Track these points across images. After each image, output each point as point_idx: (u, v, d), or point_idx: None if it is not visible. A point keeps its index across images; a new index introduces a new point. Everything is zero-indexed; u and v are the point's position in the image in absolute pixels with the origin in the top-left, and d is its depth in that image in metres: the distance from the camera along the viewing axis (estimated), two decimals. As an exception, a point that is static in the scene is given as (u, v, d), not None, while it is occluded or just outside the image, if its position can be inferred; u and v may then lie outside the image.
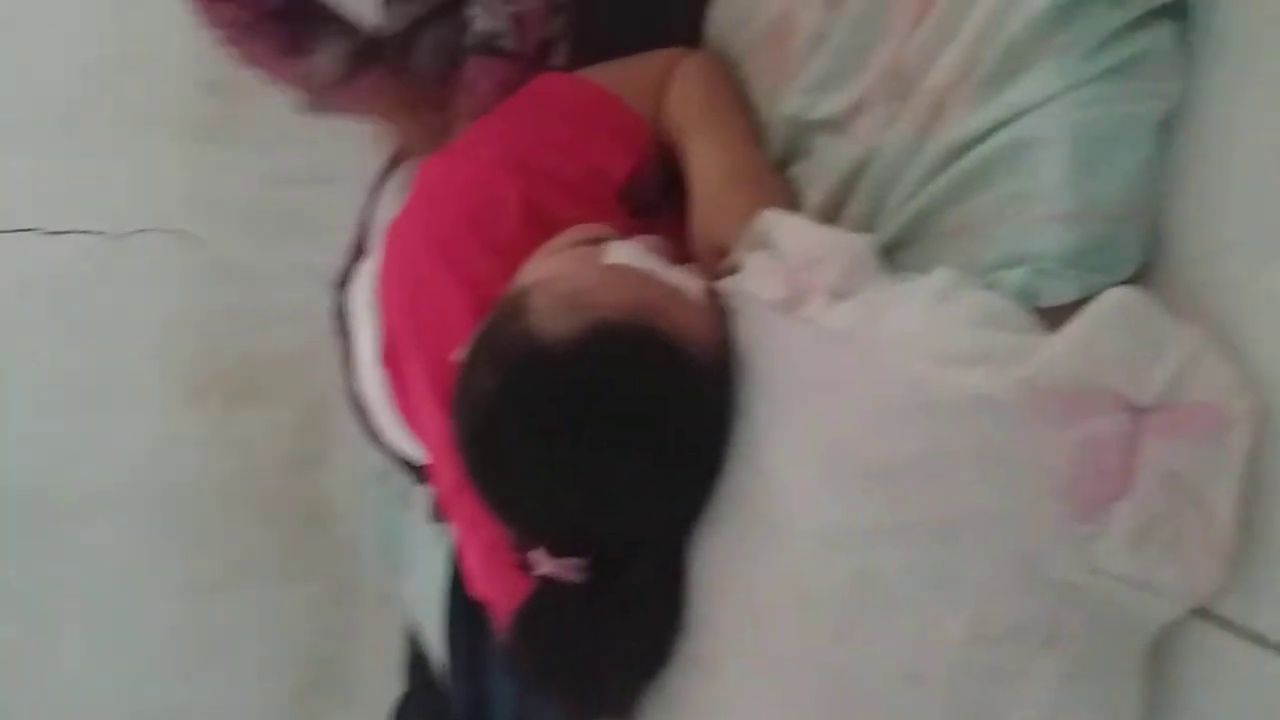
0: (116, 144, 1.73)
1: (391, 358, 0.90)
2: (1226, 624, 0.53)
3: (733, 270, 0.78)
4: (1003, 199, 0.62)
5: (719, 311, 0.74)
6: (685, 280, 0.73)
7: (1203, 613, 0.54)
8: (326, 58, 1.15)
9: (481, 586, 0.86)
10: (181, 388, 1.89)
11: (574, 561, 0.71)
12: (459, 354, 0.73)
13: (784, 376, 0.67)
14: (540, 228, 0.81)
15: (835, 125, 0.80)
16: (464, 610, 1.23)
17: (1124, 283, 0.57)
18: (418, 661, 1.71)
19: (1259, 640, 0.52)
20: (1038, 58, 0.60)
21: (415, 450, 1.03)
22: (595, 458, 0.66)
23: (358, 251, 1.19)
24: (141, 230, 1.82)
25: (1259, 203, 0.53)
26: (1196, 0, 0.56)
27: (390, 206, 1.09)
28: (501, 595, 0.83)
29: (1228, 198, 0.55)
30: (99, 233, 1.79)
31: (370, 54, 1.17)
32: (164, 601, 1.90)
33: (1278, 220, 0.52)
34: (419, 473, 1.21)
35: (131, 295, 1.85)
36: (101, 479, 1.85)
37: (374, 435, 1.19)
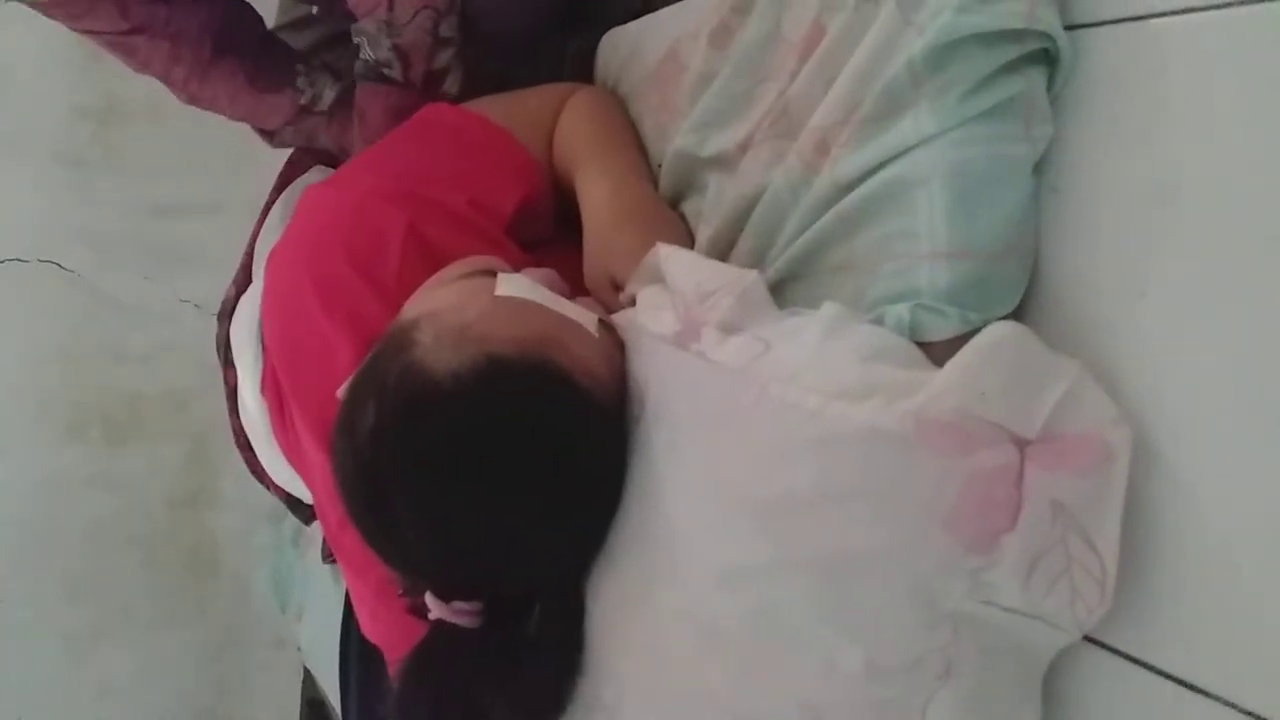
0: (-16, 172, 1.66)
1: (272, 389, 0.87)
2: (1115, 651, 0.54)
3: (626, 303, 0.77)
4: (886, 236, 0.63)
5: (614, 345, 0.73)
6: (579, 313, 0.72)
7: (1093, 640, 0.55)
8: (319, 86, 1.13)
9: (372, 630, 0.83)
10: (58, 424, 1.81)
11: (466, 606, 0.69)
12: (341, 391, 0.70)
13: (679, 412, 0.66)
14: (426, 260, 0.79)
15: (725, 162, 0.80)
16: (360, 653, 1.19)
17: (1005, 318, 0.58)
18: (315, 707, 1.66)
19: (1146, 666, 0.53)
20: (915, 99, 0.61)
21: (303, 488, 1.00)
22: (484, 500, 0.64)
23: (245, 281, 1.15)
24: (13, 260, 1.74)
25: (1127, 242, 0.55)
26: (1065, 46, 0.58)
27: (275, 234, 1.06)
28: (393, 639, 0.80)
29: (1099, 237, 0.57)
30: (-33, 264, 1.71)
31: (361, 75, 1.12)
32: (44, 649, 1.81)
33: (1145, 259, 0.54)
34: (309, 511, 1.17)
35: (2, 328, 1.77)
36: (-26, 521, 1.76)
37: (260, 473, 1.15)
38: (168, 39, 1.06)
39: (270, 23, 1.37)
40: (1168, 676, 0.52)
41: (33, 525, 1.80)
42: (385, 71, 0.99)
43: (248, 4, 1.15)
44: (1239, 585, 0.49)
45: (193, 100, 1.13)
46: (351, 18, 1.00)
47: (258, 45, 1.14)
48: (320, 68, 1.15)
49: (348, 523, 0.70)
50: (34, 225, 1.74)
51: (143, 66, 1.09)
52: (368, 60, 1.00)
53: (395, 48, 0.98)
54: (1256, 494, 0.49)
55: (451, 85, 1.03)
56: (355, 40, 1.01)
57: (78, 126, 1.64)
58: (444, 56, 1.00)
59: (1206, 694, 0.50)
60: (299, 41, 1.29)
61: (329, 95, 1.13)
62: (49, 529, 1.81)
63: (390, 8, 0.96)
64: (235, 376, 1.13)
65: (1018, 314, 0.60)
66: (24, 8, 1.00)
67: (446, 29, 0.99)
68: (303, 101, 1.13)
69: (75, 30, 1.03)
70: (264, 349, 0.88)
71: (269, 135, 1.18)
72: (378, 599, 0.80)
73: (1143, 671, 0.53)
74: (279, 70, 1.13)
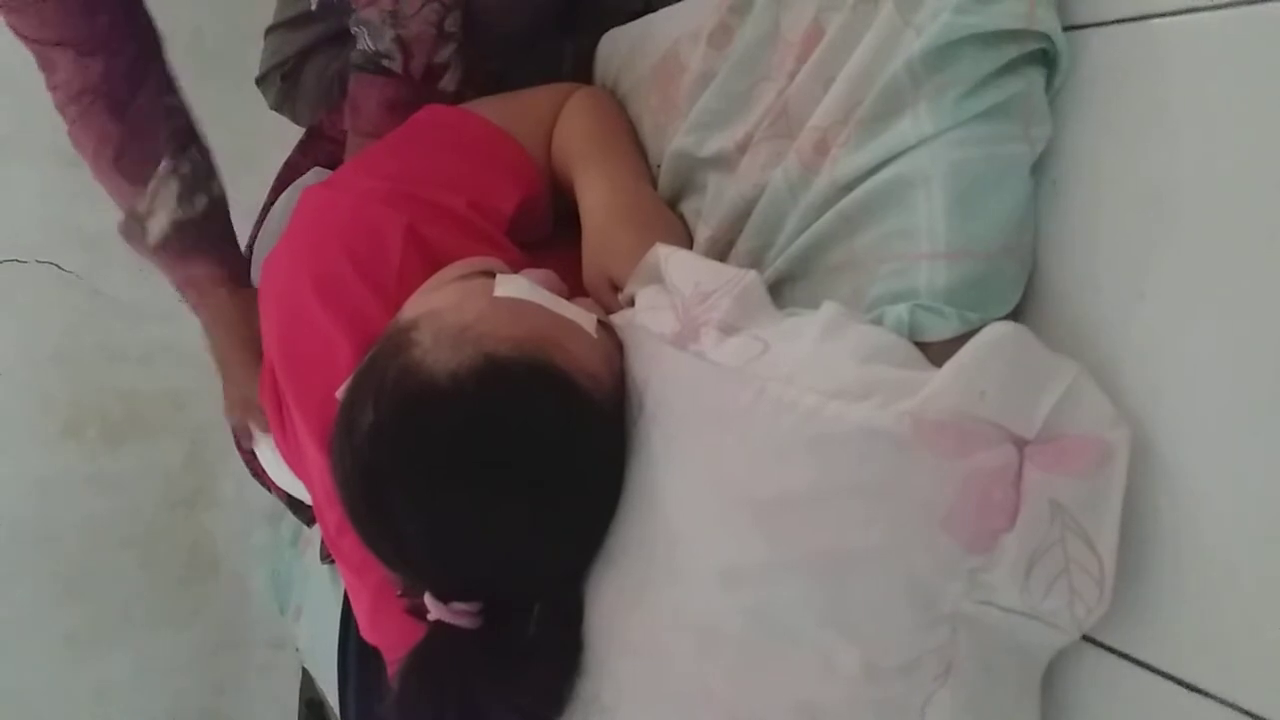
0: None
1: (271, 392, 0.87)
2: (1113, 651, 0.54)
3: (625, 304, 0.77)
4: (885, 236, 0.63)
5: (613, 345, 0.73)
6: (578, 313, 0.72)
7: (1092, 640, 0.55)
8: (157, 206, 1.07)
9: (371, 632, 0.83)
10: (56, 424, 1.81)
11: (465, 607, 0.69)
12: (341, 391, 0.70)
13: (678, 411, 0.66)
14: (425, 261, 0.79)
15: (724, 162, 0.80)
16: (359, 653, 1.19)
17: (1003, 318, 0.58)
18: (313, 707, 1.66)
19: (1144, 665, 0.53)
20: (914, 100, 0.61)
21: (303, 489, 1.00)
22: (483, 501, 0.64)
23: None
24: (11, 260, 1.74)
25: (1126, 243, 0.55)
26: (1064, 46, 0.58)
27: (274, 236, 1.05)
28: (392, 640, 0.80)
29: (1098, 238, 0.57)
30: (-37, 264, 1.71)
31: (202, 223, 1.09)
32: (42, 651, 1.81)
33: (1144, 260, 0.54)
34: (309, 512, 1.17)
35: (1, 328, 1.77)
36: (-29, 521, 1.76)
37: (261, 474, 1.15)
38: (82, 74, 1.04)
39: (267, 24, 1.36)
40: (1166, 676, 0.52)
41: (30, 525, 1.80)
42: (384, 63, 0.99)
43: (161, 57, 1.12)
44: (1237, 585, 0.49)
45: (72, 140, 1.09)
46: (349, 9, 1.00)
47: (147, 118, 1.08)
48: (182, 177, 1.08)
49: (347, 524, 0.70)
50: (32, 225, 1.74)
51: (51, 88, 1.06)
52: (365, 50, 1.00)
53: (399, 39, 0.97)
54: (1255, 494, 0.49)
55: (449, 82, 1.02)
56: (354, 30, 1.00)
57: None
58: (446, 51, 1.00)
59: (1205, 693, 0.50)
60: (296, 42, 1.29)
61: (160, 223, 1.07)
62: (47, 529, 1.81)
63: None
64: (236, 379, 1.13)
65: (1016, 314, 0.60)
66: None
67: (451, 23, 0.99)
68: (139, 207, 1.08)
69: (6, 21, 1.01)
70: (264, 354, 0.87)
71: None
72: (377, 600, 0.80)
73: (1141, 671, 0.53)
74: (144, 159, 1.08)
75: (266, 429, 0.99)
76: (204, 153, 1.13)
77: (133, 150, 1.07)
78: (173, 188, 1.08)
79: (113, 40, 1.04)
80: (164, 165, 1.07)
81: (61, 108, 1.08)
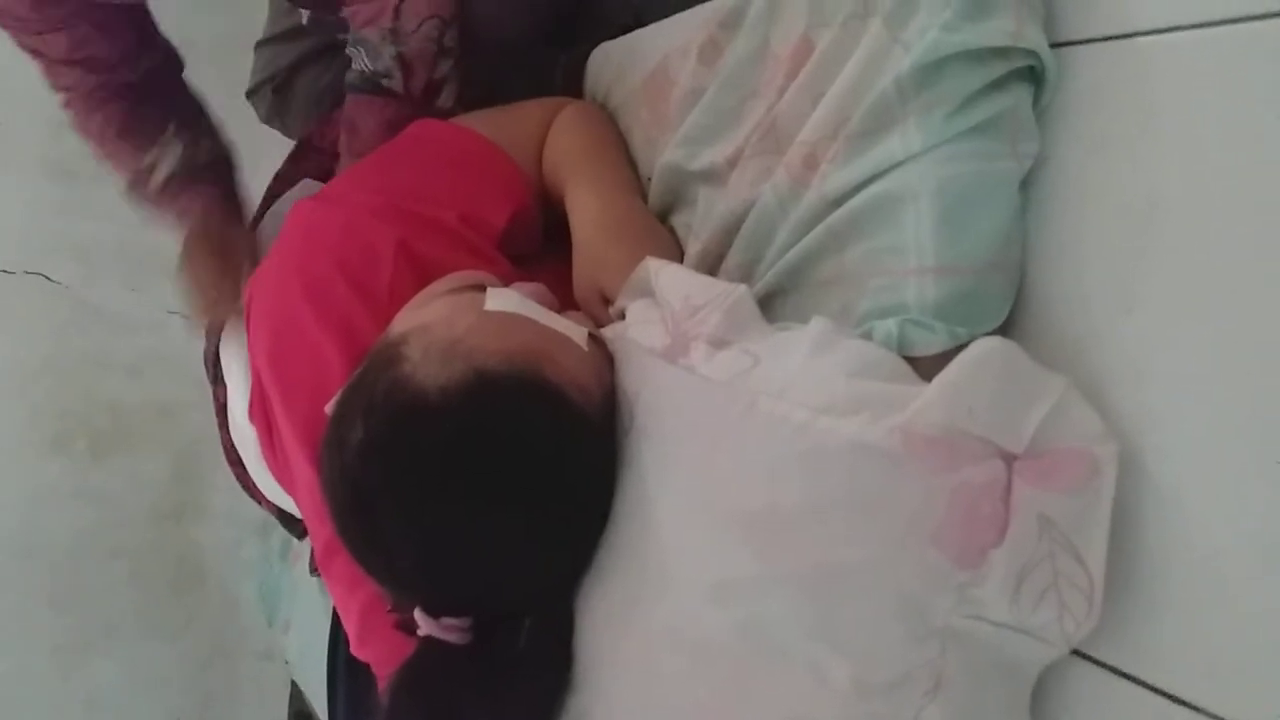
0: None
1: (260, 413, 0.86)
2: (1103, 665, 0.55)
3: (616, 317, 0.77)
4: (874, 251, 0.64)
5: (603, 359, 0.73)
6: (568, 327, 0.71)
7: (1081, 654, 0.55)
8: (162, 159, 1.09)
9: (360, 647, 0.83)
10: (44, 436, 1.80)
11: (455, 622, 0.69)
12: (330, 406, 0.70)
13: (668, 425, 0.66)
14: (416, 274, 0.79)
15: (715, 176, 0.81)
16: (348, 667, 1.19)
17: (991, 333, 0.58)
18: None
19: (1133, 680, 0.53)
20: (903, 116, 0.61)
21: (292, 503, 0.99)
22: (474, 515, 0.64)
23: (233, 294, 1.14)
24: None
25: (1113, 258, 0.55)
26: (1051, 64, 0.58)
27: (264, 246, 1.05)
28: (382, 655, 0.79)
29: (1086, 253, 0.57)
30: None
31: (204, 169, 1.12)
32: (30, 662, 1.80)
33: (1131, 275, 0.54)
34: (300, 526, 1.17)
35: (-13, 339, 1.76)
36: (-43, 534, 1.75)
37: (251, 488, 1.14)
38: (80, 61, 1.05)
39: (257, 37, 1.37)
40: (1155, 690, 0.52)
41: (18, 537, 1.78)
42: (384, 82, 0.99)
43: (162, 48, 1.14)
44: (1226, 599, 0.50)
45: (75, 126, 1.11)
46: (345, 28, 1.00)
47: (143, 92, 1.11)
48: (192, 135, 1.11)
49: (336, 540, 0.70)
50: (20, 236, 1.74)
51: (52, 77, 1.08)
52: (363, 71, 0.99)
53: (399, 57, 0.97)
54: (1243, 508, 0.49)
55: (447, 98, 1.02)
56: (350, 50, 1.00)
57: (64, 137, 1.63)
58: (444, 67, 1.00)
59: (1193, 707, 0.51)
60: (287, 55, 1.29)
61: (164, 167, 1.09)
62: (35, 541, 1.79)
63: (396, 16, 0.95)
64: (225, 393, 1.12)
65: (1005, 329, 0.60)
66: None
67: (450, 39, 0.99)
68: (142, 164, 1.10)
69: None
70: (251, 367, 0.87)
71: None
72: (366, 616, 0.80)
73: (1130, 685, 0.53)
74: (150, 123, 1.10)
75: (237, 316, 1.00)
76: (214, 133, 1.16)
77: (139, 113, 1.10)
78: (177, 144, 1.11)
79: (130, 57, 1.06)
80: (171, 127, 1.10)
81: (66, 97, 1.10)
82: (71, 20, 1.00)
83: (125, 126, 1.09)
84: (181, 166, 1.10)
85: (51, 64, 1.05)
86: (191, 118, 1.14)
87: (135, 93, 1.09)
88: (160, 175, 1.09)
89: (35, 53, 1.05)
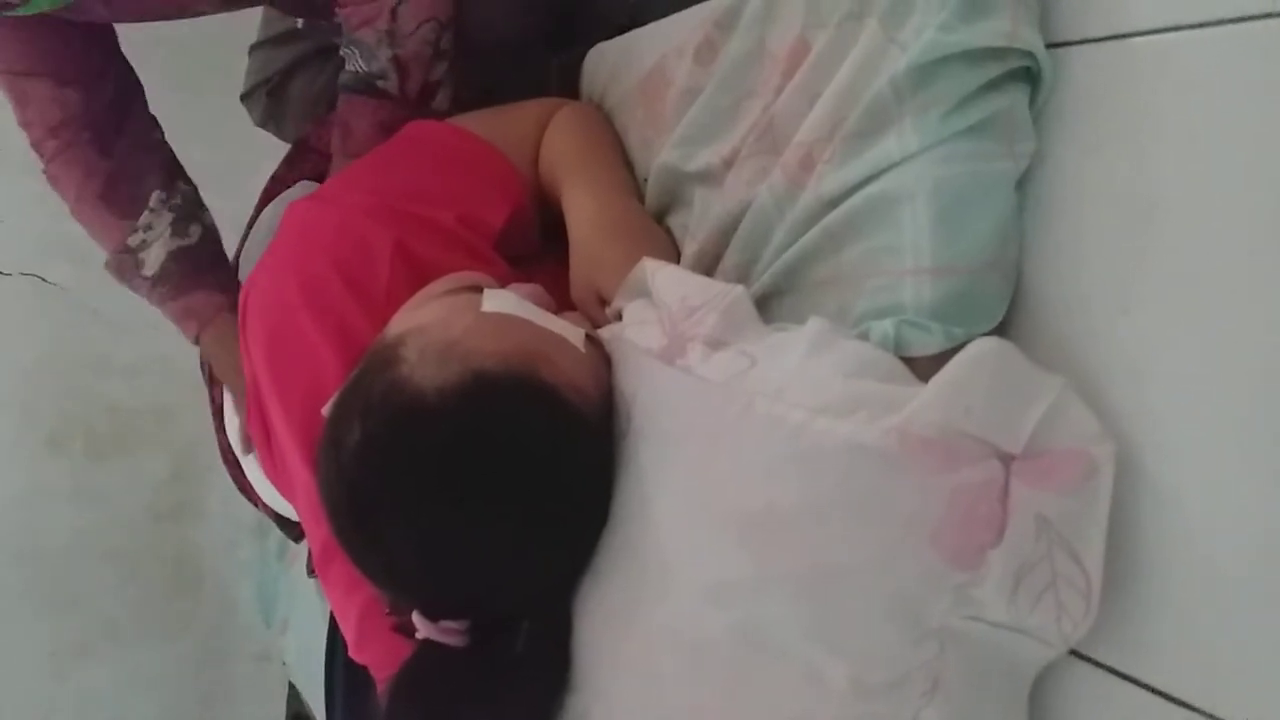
0: (-34, 184, 1.65)
1: (255, 407, 0.86)
2: (1100, 665, 0.55)
3: (613, 318, 0.77)
4: (871, 252, 0.63)
5: (600, 360, 0.73)
6: (565, 328, 0.72)
7: (1079, 654, 0.55)
8: (150, 242, 1.05)
9: (358, 650, 0.83)
10: (41, 437, 1.80)
11: (453, 625, 0.68)
12: (327, 408, 0.70)
13: (665, 427, 0.66)
14: (413, 275, 0.79)
15: (711, 177, 0.81)
16: (345, 667, 1.18)
17: (988, 334, 0.58)
18: (299, 721, 1.64)
19: (1131, 680, 0.53)
20: (899, 116, 0.61)
21: (289, 507, 0.99)
22: (472, 517, 0.64)
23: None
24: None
25: (1110, 258, 0.55)
26: (1047, 64, 0.58)
27: (260, 249, 1.05)
28: (380, 658, 0.79)
29: (1083, 253, 0.57)
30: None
31: (199, 256, 1.08)
32: (26, 664, 1.79)
33: (1128, 275, 0.54)
34: (297, 528, 1.17)
35: (-15, 340, 1.76)
36: (-46, 535, 1.75)
37: (248, 489, 1.14)
38: (61, 107, 1.02)
39: (252, 40, 1.36)
40: (1153, 690, 0.52)
41: (15, 539, 1.78)
42: (379, 84, 0.98)
43: (143, 98, 1.12)
44: (1223, 598, 0.50)
45: (48, 177, 1.08)
46: (340, 31, 0.99)
47: (133, 153, 1.08)
48: (173, 209, 1.08)
49: (333, 543, 0.70)
50: (16, 238, 1.73)
51: (25, 124, 1.05)
52: (358, 71, 0.99)
53: (395, 59, 0.96)
54: (1240, 507, 0.49)
55: (443, 101, 1.02)
56: (344, 51, 1.00)
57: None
58: (440, 69, 0.99)
59: (1191, 708, 0.51)
60: (281, 59, 1.28)
61: (155, 255, 1.06)
62: (31, 542, 1.79)
63: (393, 18, 0.95)
64: (221, 394, 1.12)
65: (1001, 329, 0.60)
66: None
67: (446, 41, 0.99)
68: (130, 242, 1.07)
69: None
70: (247, 368, 0.87)
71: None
72: (364, 619, 0.80)
73: (1128, 685, 0.53)
74: (133, 193, 1.07)
75: None
76: (190, 185, 1.12)
77: (122, 183, 1.06)
78: (166, 219, 1.07)
79: (91, 71, 1.03)
80: (155, 197, 1.07)
81: (38, 145, 1.06)
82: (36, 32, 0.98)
83: (108, 184, 1.05)
84: (176, 250, 1.07)
85: (13, 80, 1.02)
86: (173, 172, 1.11)
87: (115, 142, 1.06)
88: (154, 260, 1.06)
89: (12, 91, 1.04)
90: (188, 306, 1.09)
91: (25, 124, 1.05)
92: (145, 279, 1.08)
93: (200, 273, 1.09)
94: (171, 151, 1.13)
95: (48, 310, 1.77)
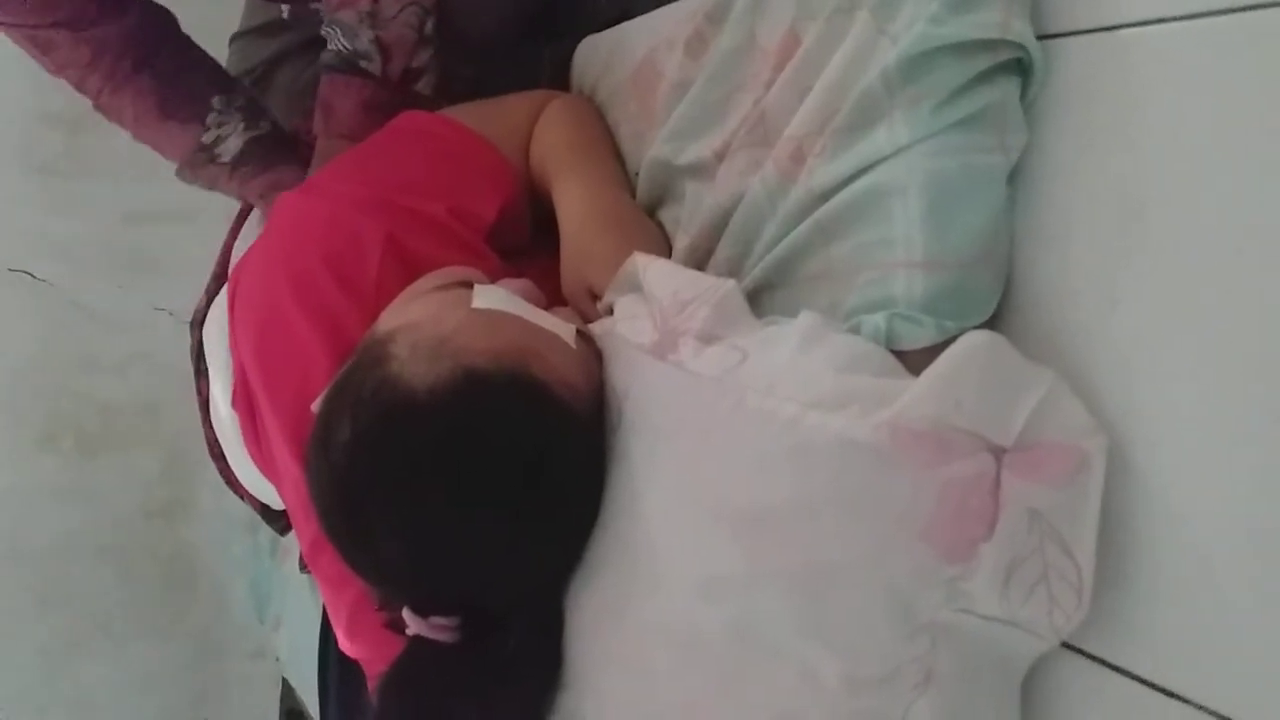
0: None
1: (243, 401, 0.86)
2: (1092, 657, 0.55)
3: (604, 312, 0.77)
4: (862, 245, 0.63)
5: (592, 355, 0.72)
6: (557, 324, 0.71)
7: (1071, 647, 0.55)
8: (226, 136, 1.07)
9: (349, 646, 0.82)
10: (31, 434, 1.79)
11: (444, 621, 0.68)
12: (317, 404, 0.70)
13: (657, 422, 0.66)
14: (403, 269, 0.78)
15: (702, 170, 0.80)
16: (339, 663, 1.18)
17: (979, 327, 0.58)
18: (294, 718, 1.65)
19: (1123, 672, 0.53)
20: (889, 109, 0.61)
21: (277, 498, 0.99)
22: (463, 513, 0.64)
23: (218, 289, 1.13)
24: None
25: (1100, 250, 0.55)
26: (1038, 56, 0.58)
27: (250, 240, 1.04)
28: (371, 654, 0.79)
29: (1072, 246, 0.57)
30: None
31: (275, 145, 1.09)
32: (18, 662, 1.79)
33: (1118, 267, 0.54)
34: (283, 520, 1.16)
35: (-28, 337, 1.75)
36: (-56, 533, 1.75)
37: (234, 483, 1.14)
38: (89, 44, 1.02)
39: (233, 30, 1.35)
40: (1144, 682, 0.52)
41: (5, 537, 1.78)
42: (361, 64, 0.98)
43: (175, 22, 1.11)
44: (1214, 590, 0.50)
45: (102, 111, 1.09)
46: (319, 15, 0.99)
47: (179, 68, 1.09)
48: (239, 109, 1.09)
49: (323, 538, 0.70)
50: (5, 234, 1.72)
51: (59, 69, 1.05)
52: (340, 50, 0.98)
53: (377, 40, 0.96)
54: (1230, 499, 0.49)
55: (426, 86, 1.01)
56: (325, 31, 0.99)
57: (48, 134, 1.62)
58: (424, 55, 0.99)
59: (1183, 699, 0.51)
60: (266, 49, 1.27)
61: (233, 144, 1.08)
62: (22, 541, 1.79)
63: (375, 0, 0.95)
64: (208, 386, 1.12)
65: (993, 323, 0.60)
66: None
67: (430, 28, 0.98)
68: (205, 140, 1.07)
69: None
70: (235, 359, 0.86)
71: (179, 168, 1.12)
72: (354, 614, 0.80)
73: (1119, 677, 0.53)
74: (193, 99, 1.08)
75: None
76: (248, 88, 1.13)
77: (177, 95, 1.07)
78: (236, 116, 1.08)
79: (108, 3, 1.03)
80: (217, 100, 1.08)
81: (80, 85, 1.07)
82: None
83: (163, 99, 1.07)
84: (254, 137, 1.08)
85: (34, 33, 1.02)
86: (228, 83, 1.12)
87: (155, 60, 1.07)
88: (233, 147, 1.08)
89: (35, 44, 1.03)
90: (276, 180, 1.09)
91: (59, 70, 1.05)
92: (224, 165, 1.08)
93: (282, 150, 1.10)
94: (217, 62, 1.14)
95: (37, 307, 1.76)
